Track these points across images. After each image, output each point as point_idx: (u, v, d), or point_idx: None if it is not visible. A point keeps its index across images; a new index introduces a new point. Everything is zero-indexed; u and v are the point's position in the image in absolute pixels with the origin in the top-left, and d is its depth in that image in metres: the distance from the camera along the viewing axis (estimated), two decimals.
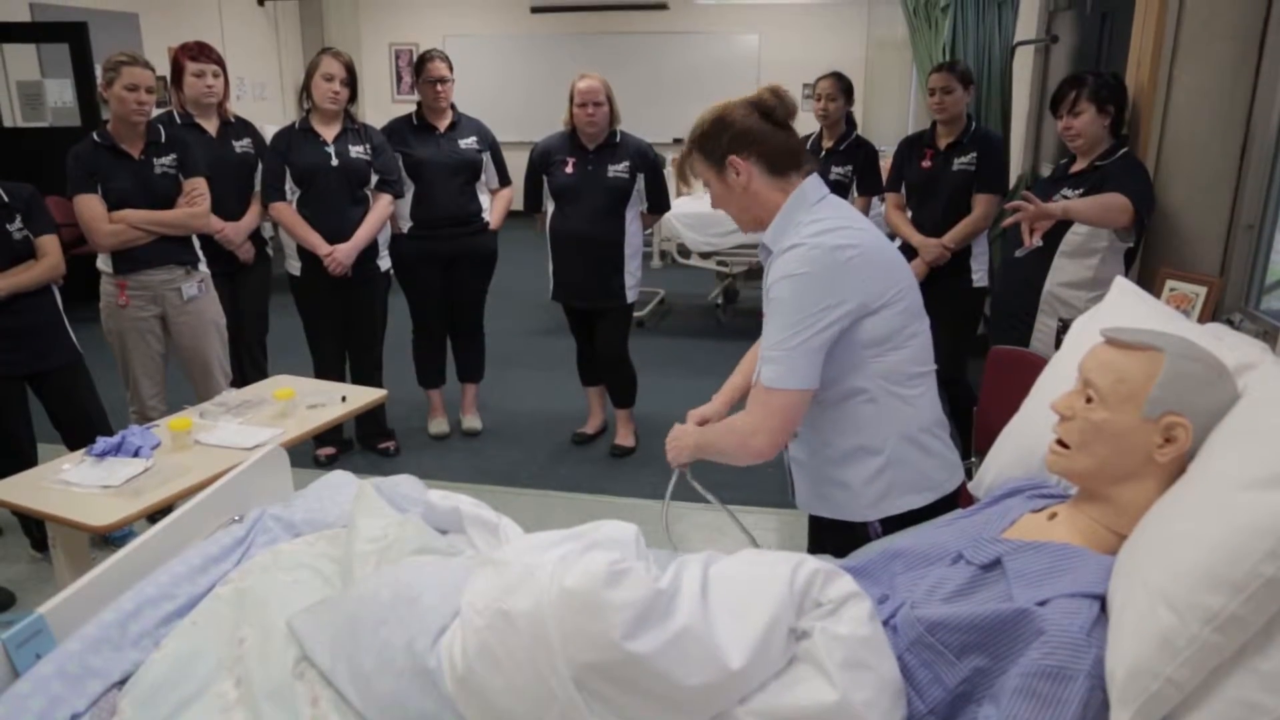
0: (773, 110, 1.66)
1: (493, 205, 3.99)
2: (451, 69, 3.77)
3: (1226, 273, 2.71)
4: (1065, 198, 2.75)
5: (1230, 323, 2.55)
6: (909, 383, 1.67)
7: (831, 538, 1.78)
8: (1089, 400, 1.25)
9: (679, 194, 6.26)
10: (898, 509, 1.69)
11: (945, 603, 1.23)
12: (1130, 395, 1.20)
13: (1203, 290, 2.65)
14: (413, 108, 3.85)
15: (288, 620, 1.39)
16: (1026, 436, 1.60)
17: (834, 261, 1.56)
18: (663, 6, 9.47)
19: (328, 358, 3.80)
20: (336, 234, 3.54)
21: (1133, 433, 1.20)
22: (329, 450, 3.90)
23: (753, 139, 1.65)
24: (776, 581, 1.23)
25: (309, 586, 1.51)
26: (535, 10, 9.83)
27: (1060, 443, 1.29)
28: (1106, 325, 1.32)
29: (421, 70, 3.73)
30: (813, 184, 1.68)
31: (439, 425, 4.19)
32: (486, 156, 3.90)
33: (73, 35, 6.15)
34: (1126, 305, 1.63)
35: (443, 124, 3.81)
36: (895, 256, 1.68)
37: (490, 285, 4.10)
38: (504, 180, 4.00)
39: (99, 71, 3.13)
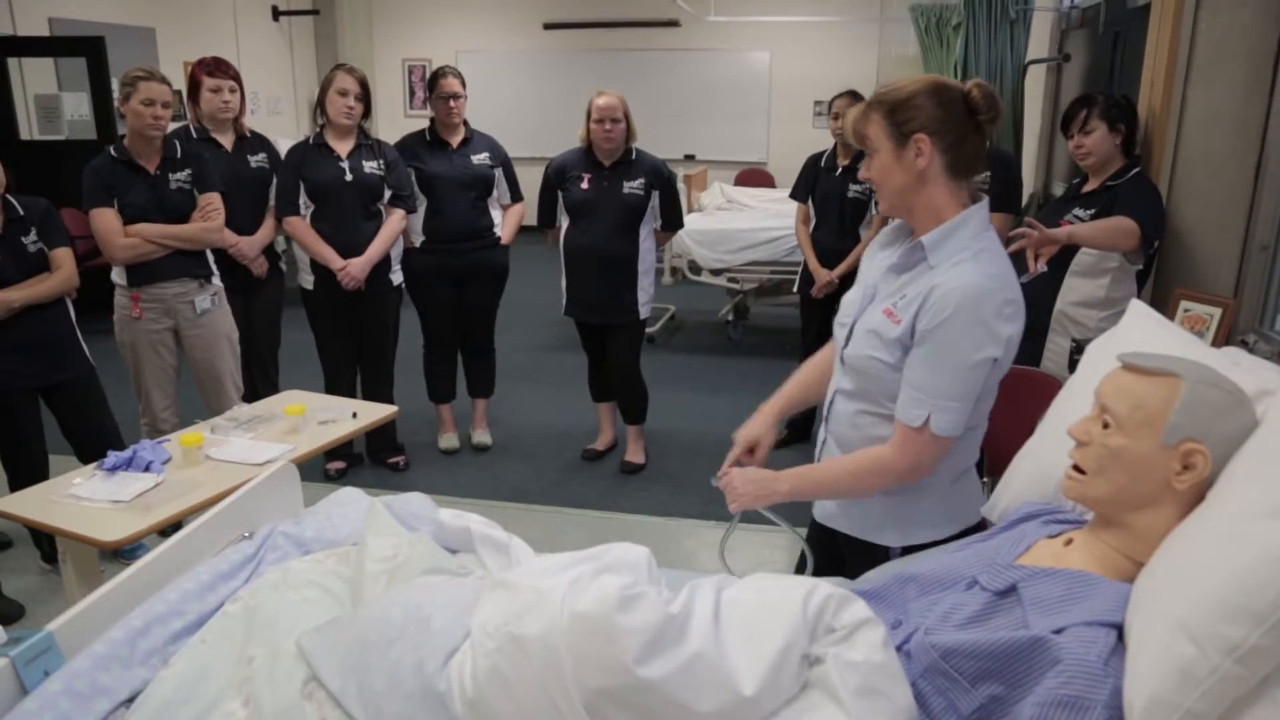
0: (978, 109, 1.54)
1: (505, 220, 4.01)
2: (464, 85, 3.80)
3: (1241, 294, 2.69)
4: (1078, 218, 2.74)
5: (1245, 344, 2.53)
6: (974, 430, 1.66)
7: (852, 557, 1.76)
8: (1106, 426, 1.23)
9: (691, 210, 6.26)
10: (920, 539, 1.67)
11: (960, 629, 1.21)
12: (1148, 421, 1.19)
13: (1217, 311, 2.63)
14: (426, 123, 3.88)
15: (297, 639, 1.39)
16: (1042, 460, 1.59)
17: (1003, 314, 1.52)
18: (674, 23, 9.50)
19: (339, 371, 3.81)
20: (350, 248, 3.56)
21: (1151, 459, 1.19)
22: (339, 464, 3.91)
23: (949, 129, 1.54)
24: (789, 606, 1.22)
25: (319, 605, 1.50)
26: (548, 27, 9.89)
27: (1077, 468, 1.27)
28: (1123, 349, 1.31)
29: (434, 86, 3.76)
30: (984, 211, 1.60)
31: (449, 440, 4.19)
32: (499, 172, 3.92)
33: (90, 49, 6.22)
34: (1142, 328, 1.61)
35: (455, 140, 3.83)
36: None
37: (501, 300, 4.11)
38: (516, 196, 4.02)
39: (115, 86, 3.16)
